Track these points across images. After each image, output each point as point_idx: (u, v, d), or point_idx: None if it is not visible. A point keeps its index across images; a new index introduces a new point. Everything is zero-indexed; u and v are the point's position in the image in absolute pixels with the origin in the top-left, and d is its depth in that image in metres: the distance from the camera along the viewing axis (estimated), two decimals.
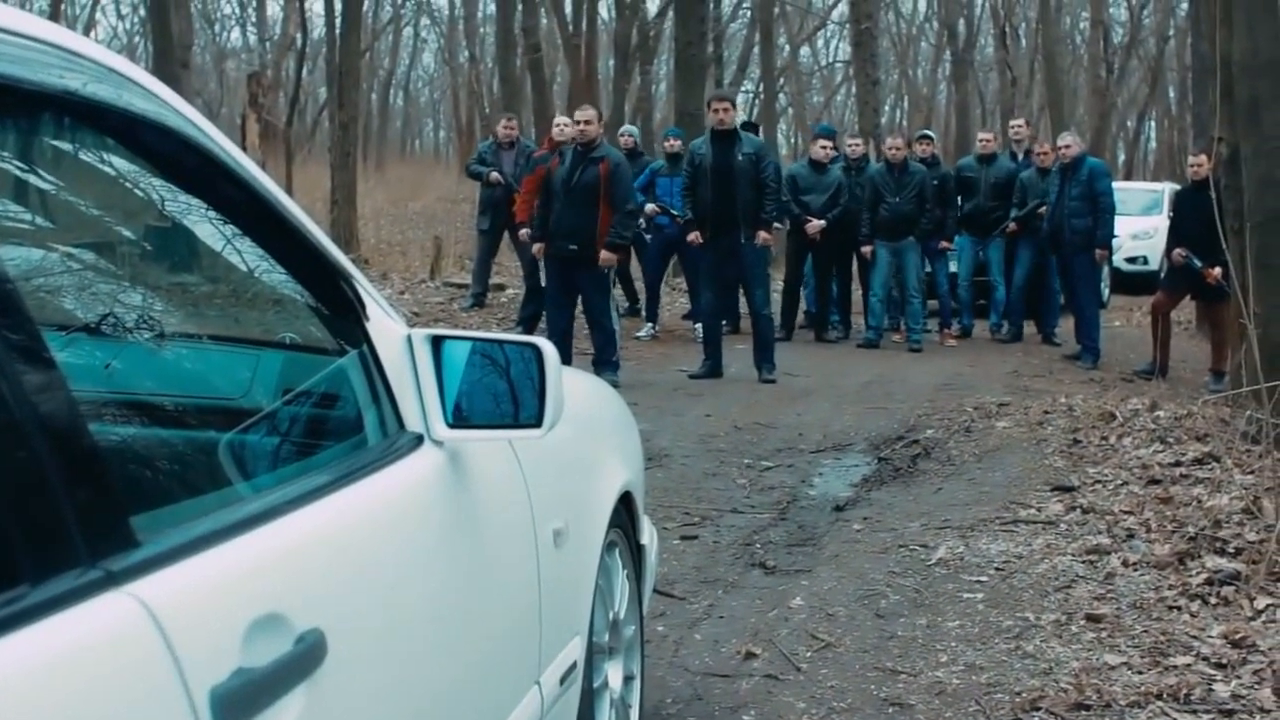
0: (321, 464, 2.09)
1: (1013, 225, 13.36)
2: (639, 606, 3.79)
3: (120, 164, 1.91)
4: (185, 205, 2.03)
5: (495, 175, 13.74)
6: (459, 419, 2.35)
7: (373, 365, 2.24)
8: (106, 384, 1.94)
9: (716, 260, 11.02)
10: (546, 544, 2.78)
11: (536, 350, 2.42)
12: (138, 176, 1.97)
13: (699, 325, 13.42)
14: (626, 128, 16.04)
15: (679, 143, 13.75)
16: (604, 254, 10.27)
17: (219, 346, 2.38)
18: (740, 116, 12.55)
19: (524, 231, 11.33)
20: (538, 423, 2.39)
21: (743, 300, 12.46)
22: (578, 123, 10.48)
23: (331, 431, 2.28)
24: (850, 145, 14.33)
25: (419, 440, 2.29)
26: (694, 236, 11.13)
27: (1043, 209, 12.95)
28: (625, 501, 3.61)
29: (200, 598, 1.49)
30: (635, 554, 3.76)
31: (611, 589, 3.48)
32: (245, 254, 2.18)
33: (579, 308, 10.77)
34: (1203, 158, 11.24)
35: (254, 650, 1.52)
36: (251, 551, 1.64)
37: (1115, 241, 13.28)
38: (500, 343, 2.46)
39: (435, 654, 2.15)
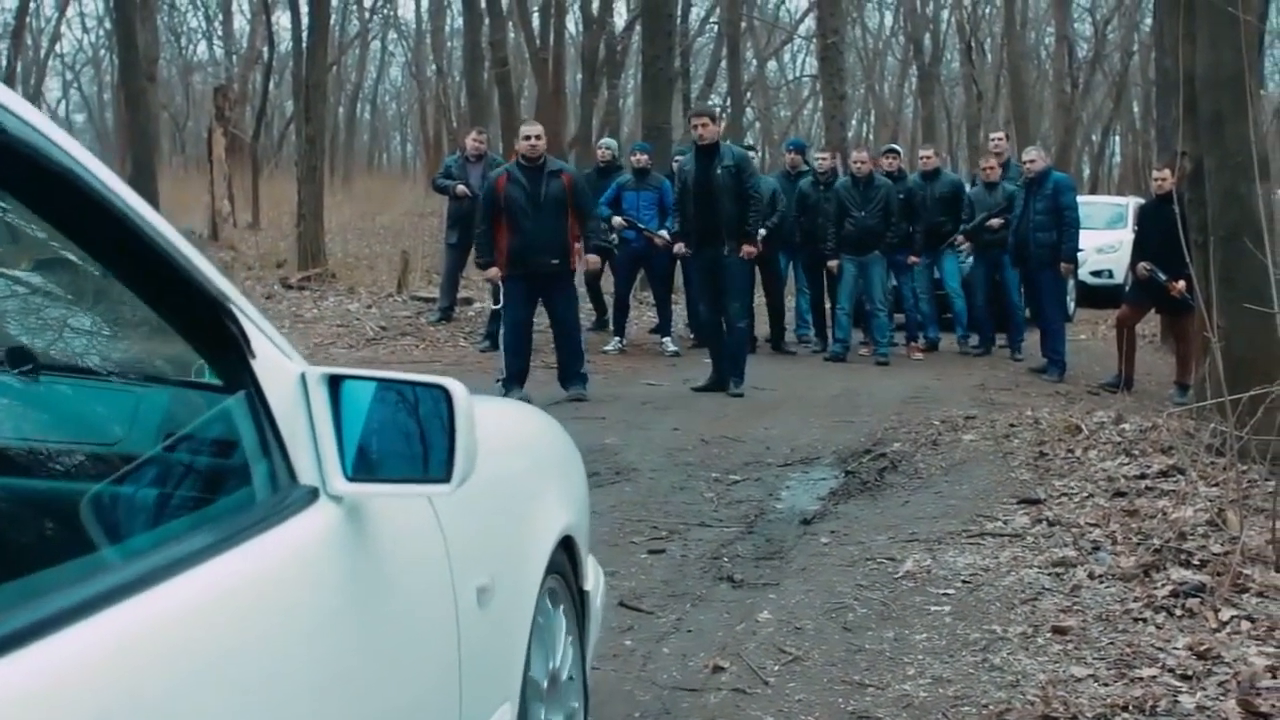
0: (195, 526, 1.82)
1: (960, 239, 13.47)
2: (582, 658, 3.54)
3: None
4: (37, 226, 1.82)
5: (462, 188, 13.67)
6: (360, 470, 2.07)
7: (260, 409, 1.97)
8: None
9: (704, 274, 11.06)
10: (468, 605, 2.53)
11: (445, 393, 2.13)
12: None
13: (666, 339, 13.46)
14: (605, 140, 15.99)
15: (646, 157, 13.76)
16: (591, 257, 10.52)
17: (77, 385, 2.13)
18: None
19: (492, 272, 10.58)
20: (446, 477, 2.11)
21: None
22: (527, 138, 10.41)
23: (209, 487, 2.00)
24: (819, 159, 14.34)
25: (313, 495, 2.01)
26: (679, 248, 11.15)
27: (991, 222, 13.05)
28: (567, 544, 3.35)
29: None
30: (578, 601, 3.50)
31: (548, 643, 3.21)
32: (108, 283, 1.95)
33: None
34: (1166, 172, 11.29)
35: None
36: (80, 646, 1.35)
37: (1080, 255, 13.35)
38: (406, 383, 2.16)
39: None
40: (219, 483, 1.99)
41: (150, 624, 1.49)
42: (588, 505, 3.82)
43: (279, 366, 2.04)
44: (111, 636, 1.41)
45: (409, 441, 2.15)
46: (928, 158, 14.52)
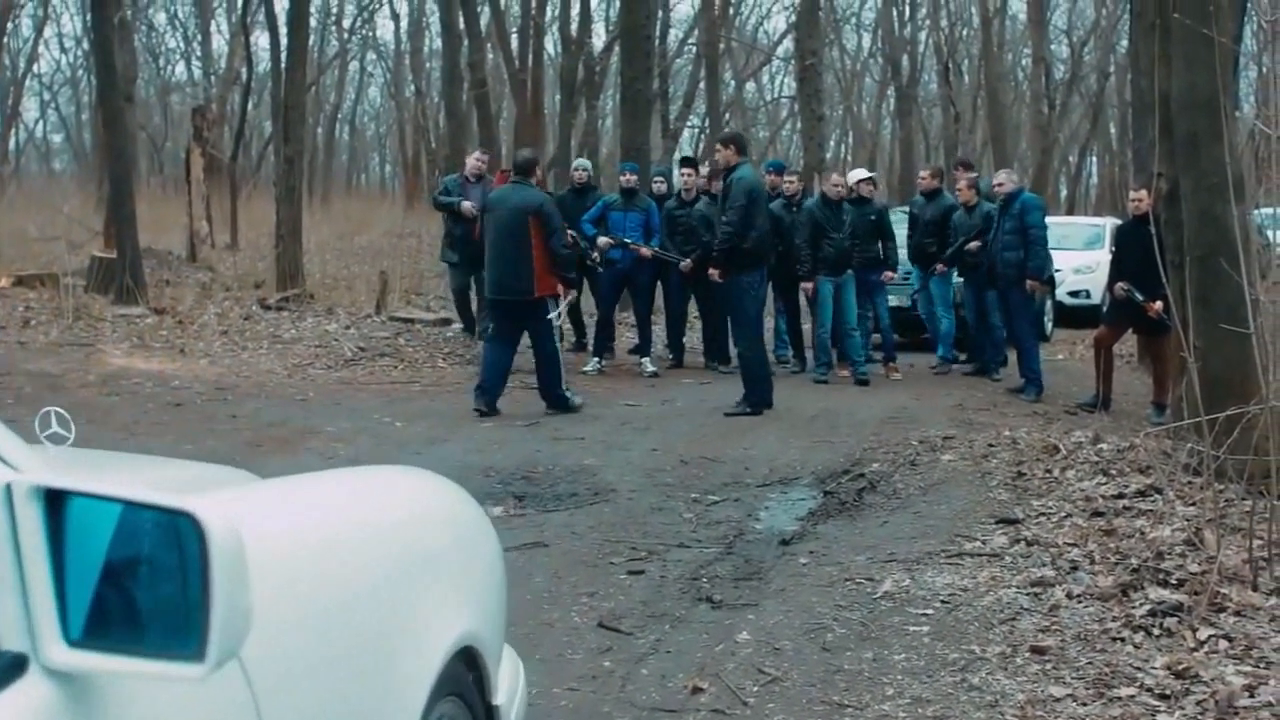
0: None
1: (940, 266, 13.54)
2: None
3: None
4: None
5: (468, 205, 13.60)
6: (94, 632, 1.46)
7: None
8: None
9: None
10: None
11: (195, 526, 1.46)
12: None
13: (645, 360, 13.45)
14: (580, 161, 15.99)
15: (634, 177, 13.81)
16: None
17: None
18: (684, 152, 12.63)
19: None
20: (199, 654, 1.45)
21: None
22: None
23: None
24: (787, 181, 14.21)
25: (18, 665, 1.44)
26: (713, 273, 11.20)
27: (970, 246, 13.07)
28: (469, 654, 2.70)
29: None
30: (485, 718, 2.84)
31: None
32: None
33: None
34: (1143, 193, 11.35)
35: None
36: None
37: (1058, 275, 13.38)
38: (152, 507, 1.49)
39: None
40: None
41: None
42: (503, 597, 3.12)
43: None
44: None
45: (162, 592, 1.50)
46: (924, 178, 14.60)
